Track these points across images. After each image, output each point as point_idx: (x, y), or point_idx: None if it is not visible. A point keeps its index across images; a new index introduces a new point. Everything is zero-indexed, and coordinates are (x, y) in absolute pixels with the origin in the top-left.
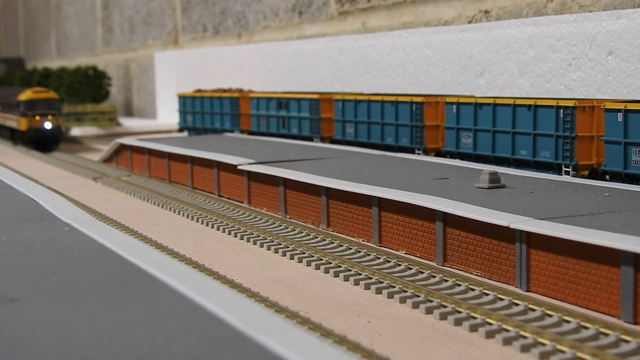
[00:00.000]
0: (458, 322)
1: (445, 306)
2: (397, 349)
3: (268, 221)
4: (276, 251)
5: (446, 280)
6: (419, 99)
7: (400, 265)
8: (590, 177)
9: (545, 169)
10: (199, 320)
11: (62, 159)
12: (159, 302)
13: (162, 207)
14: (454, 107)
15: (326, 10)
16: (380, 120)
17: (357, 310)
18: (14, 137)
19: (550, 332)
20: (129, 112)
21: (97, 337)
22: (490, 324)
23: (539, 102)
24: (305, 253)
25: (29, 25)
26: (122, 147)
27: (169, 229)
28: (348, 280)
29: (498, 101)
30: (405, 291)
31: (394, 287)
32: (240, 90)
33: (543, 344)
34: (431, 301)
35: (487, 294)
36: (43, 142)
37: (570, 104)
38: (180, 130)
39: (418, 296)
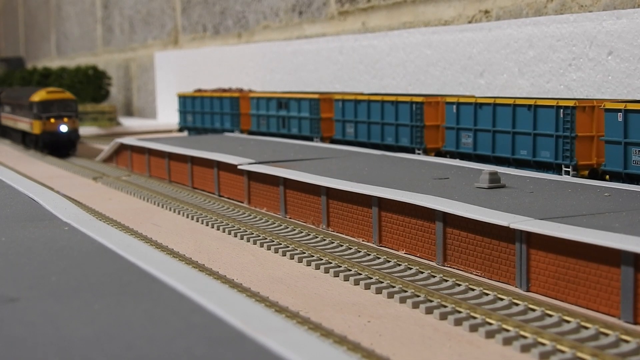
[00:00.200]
0: (458, 322)
1: (445, 306)
2: (397, 349)
3: (268, 221)
4: (276, 251)
5: (446, 280)
6: (419, 99)
7: (400, 265)
8: (590, 177)
9: (545, 169)
10: (199, 320)
11: (62, 159)
12: (159, 302)
13: (162, 207)
14: (454, 107)
15: (326, 10)
16: (380, 120)
17: (357, 310)
18: (26, 140)
19: (550, 332)
20: (129, 112)
21: (97, 337)
22: (490, 324)
23: (539, 102)
24: (305, 253)
25: (29, 25)
26: (122, 147)
27: (169, 229)
28: (348, 280)
29: (498, 101)
30: (405, 291)
31: (394, 287)
32: (240, 90)
33: (543, 344)
34: (431, 301)
35: (487, 294)
36: (58, 147)
37: (570, 104)
38: (180, 130)
39: (418, 296)
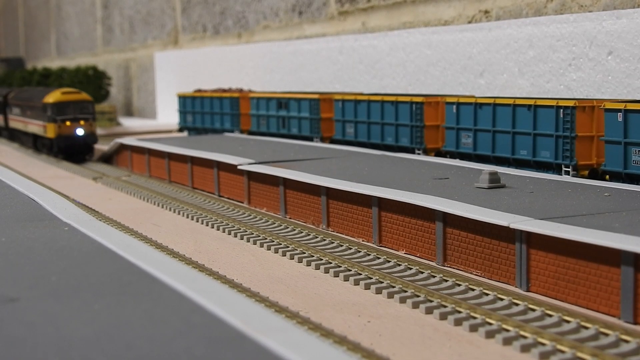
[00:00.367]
0: (458, 322)
1: (445, 306)
2: (397, 349)
3: (268, 221)
4: (276, 251)
5: (446, 280)
6: (419, 99)
7: (400, 265)
8: (590, 177)
9: (545, 169)
10: (199, 320)
11: (62, 159)
12: (159, 302)
13: (162, 207)
14: (454, 107)
15: (326, 10)
16: (380, 120)
17: (357, 310)
18: (38, 144)
19: (550, 332)
20: (129, 112)
21: (97, 337)
22: (490, 324)
23: (539, 102)
24: (305, 253)
25: (29, 25)
26: (122, 147)
27: (169, 229)
28: (348, 280)
29: (498, 101)
30: (405, 291)
31: (394, 287)
32: (240, 90)
33: (543, 344)
34: (431, 301)
35: (487, 294)
36: (74, 151)
37: (570, 104)
38: (180, 130)
39: (418, 296)
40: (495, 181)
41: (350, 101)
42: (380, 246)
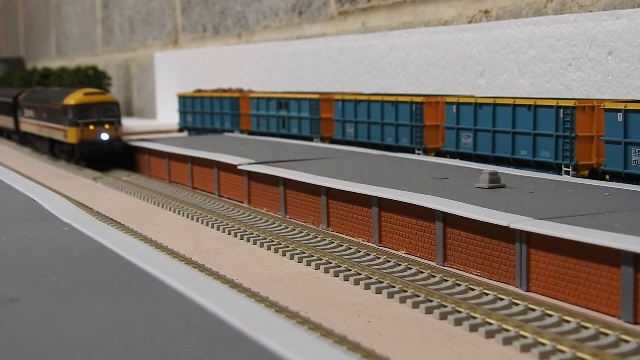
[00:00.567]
0: (458, 322)
1: (445, 306)
2: (397, 349)
3: (268, 221)
4: (276, 251)
5: (446, 280)
6: (419, 99)
7: (400, 265)
8: (590, 177)
9: (545, 169)
10: (199, 320)
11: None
12: (159, 302)
13: (162, 207)
14: (454, 107)
15: (326, 10)
16: (380, 120)
17: (357, 310)
18: (56, 150)
19: (550, 332)
20: (129, 112)
21: (97, 337)
22: (490, 324)
23: (539, 102)
24: (305, 253)
25: (29, 25)
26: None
27: (169, 228)
28: (348, 280)
29: (498, 101)
30: (405, 291)
31: (394, 287)
32: (240, 90)
33: (543, 344)
34: (431, 301)
35: (487, 294)
36: (99, 158)
37: (570, 104)
38: (180, 130)
39: (418, 296)
40: (495, 181)
41: (350, 101)
42: (380, 246)
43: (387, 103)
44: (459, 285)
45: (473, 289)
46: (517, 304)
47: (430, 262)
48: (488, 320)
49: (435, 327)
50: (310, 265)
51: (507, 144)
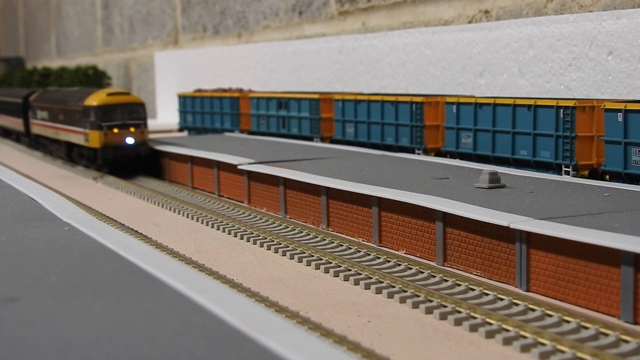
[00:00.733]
0: (458, 322)
1: (445, 306)
2: (397, 349)
3: (268, 221)
4: (276, 251)
5: (446, 280)
6: (419, 99)
7: (400, 265)
8: (590, 177)
9: (545, 169)
10: (199, 320)
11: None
12: (159, 302)
13: (162, 207)
14: (454, 107)
15: (326, 10)
16: (380, 120)
17: (357, 310)
18: (74, 155)
19: (550, 332)
20: None
21: (97, 337)
22: (490, 324)
23: (539, 102)
24: (305, 253)
25: (29, 25)
26: None
27: (169, 228)
28: (348, 280)
29: (498, 101)
30: (405, 291)
31: (394, 287)
32: (240, 90)
33: (543, 344)
34: (431, 301)
35: (487, 294)
36: (124, 164)
37: (570, 104)
38: (180, 130)
39: (418, 296)
40: (495, 181)
41: (350, 101)
42: (380, 246)
43: (387, 103)
44: (459, 285)
45: (473, 289)
46: (517, 304)
47: (430, 262)
48: (488, 320)
49: (435, 327)
50: (310, 265)
51: (507, 144)
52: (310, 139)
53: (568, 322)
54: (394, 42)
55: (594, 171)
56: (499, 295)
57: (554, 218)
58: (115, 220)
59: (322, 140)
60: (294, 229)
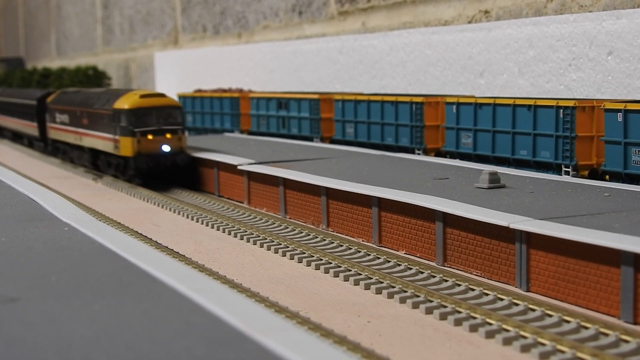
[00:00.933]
0: (458, 322)
1: (445, 306)
2: (397, 349)
3: (268, 221)
4: (276, 251)
5: (446, 280)
6: (419, 99)
7: (400, 265)
8: (590, 177)
9: (545, 169)
10: (199, 320)
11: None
12: (159, 302)
13: (162, 207)
14: (454, 107)
15: (326, 10)
16: (380, 120)
17: (357, 310)
18: (100, 164)
19: (550, 332)
20: None
21: (97, 337)
22: (490, 324)
23: (539, 102)
24: (305, 253)
25: (29, 25)
26: None
27: (169, 229)
28: (348, 280)
29: (498, 101)
30: (405, 291)
31: (394, 287)
32: (240, 90)
33: (543, 344)
34: (431, 301)
35: (487, 294)
36: (159, 175)
37: (570, 104)
38: None
39: (418, 296)
40: (495, 181)
41: (350, 101)
42: (380, 246)
43: (387, 103)
44: (459, 285)
45: (473, 289)
46: (517, 304)
47: (430, 263)
48: (488, 320)
49: (435, 327)
50: (310, 266)
51: (507, 144)
52: (310, 139)
53: (568, 322)
54: (394, 42)
55: (594, 171)
56: (499, 296)
57: (554, 218)
58: (115, 221)
59: (322, 140)
60: (294, 229)
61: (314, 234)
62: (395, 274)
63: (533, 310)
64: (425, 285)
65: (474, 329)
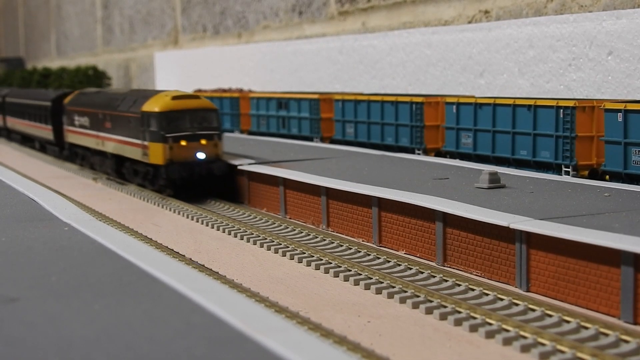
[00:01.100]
0: (458, 322)
1: (445, 306)
2: (397, 349)
3: (268, 221)
4: (276, 251)
5: (446, 280)
6: (419, 99)
7: (400, 265)
8: (590, 177)
9: (545, 169)
10: (199, 320)
11: (62, 159)
12: (159, 302)
13: (162, 207)
14: (454, 107)
15: (326, 10)
16: (380, 120)
17: (357, 310)
18: (126, 171)
19: (550, 332)
20: None
21: (97, 337)
22: (490, 324)
23: (539, 102)
24: (305, 253)
25: (29, 25)
26: None
27: (169, 229)
28: (348, 280)
29: (498, 101)
30: (405, 291)
31: (394, 287)
32: (240, 90)
33: (543, 344)
34: (431, 301)
35: (487, 294)
36: (193, 185)
37: (570, 104)
38: None
39: (418, 296)
40: (495, 181)
41: (350, 101)
42: (380, 246)
43: (387, 103)
44: (459, 285)
45: (473, 289)
46: (517, 304)
47: (430, 263)
48: (488, 320)
49: (435, 327)
50: (310, 266)
51: (507, 144)
52: (310, 139)
53: (568, 322)
54: (394, 42)
55: (594, 171)
56: (499, 296)
57: (553, 218)
58: (115, 221)
59: (322, 140)
60: (294, 229)
61: (314, 233)
62: (395, 274)
63: (533, 310)
64: (425, 285)
65: (474, 329)
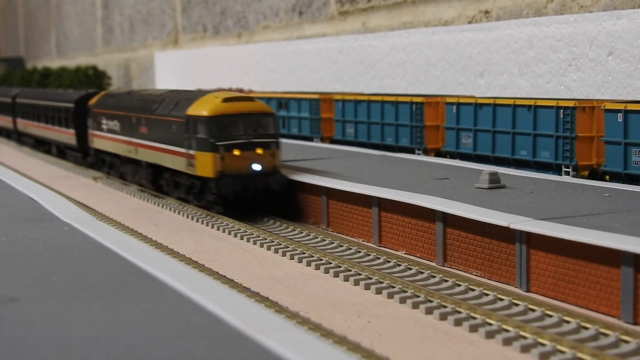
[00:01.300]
0: (458, 322)
1: (445, 306)
2: (397, 349)
3: (268, 221)
4: (276, 251)
5: (446, 281)
6: (419, 99)
7: (400, 265)
8: (590, 177)
9: (545, 169)
10: (199, 320)
11: (62, 159)
12: (159, 302)
13: (162, 207)
14: (454, 107)
15: (326, 10)
16: (380, 121)
17: (357, 310)
18: (163, 182)
19: (550, 332)
20: None
21: (97, 337)
22: (490, 324)
23: (539, 103)
24: (305, 253)
25: (29, 25)
26: None
27: (169, 229)
28: (348, 280)
29: (498, 101)
30: (405, 291)
31: (394, 287)
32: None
33: (543, 344)
34: (431, 301)
35: (487, 294)
36: (248, 200)
37: (570, 104)
38: None
39: (418, 296)
40: (495, 181)
41: (350, 101)
42: (380, 246)
43: (387, 103)
44: (459, 285)
45: (473, 290)
46: (517, 305)
47: (430, 263)
48: (488, 320)
49: (435, 327)
50: (310, 266)
51: (507, 144)
52: (310, 139)
53: (568, 322)
54: (394, 42)
55: (594, 171)
56: (499, 296)
57: (553, 218)
58: (115, 221)
59: (322, 140)
60: (294, 229)
61: (314, 234)
62: (395, 274)
63: (533, 310)
64: (425, 286)
65: (474, 329)
